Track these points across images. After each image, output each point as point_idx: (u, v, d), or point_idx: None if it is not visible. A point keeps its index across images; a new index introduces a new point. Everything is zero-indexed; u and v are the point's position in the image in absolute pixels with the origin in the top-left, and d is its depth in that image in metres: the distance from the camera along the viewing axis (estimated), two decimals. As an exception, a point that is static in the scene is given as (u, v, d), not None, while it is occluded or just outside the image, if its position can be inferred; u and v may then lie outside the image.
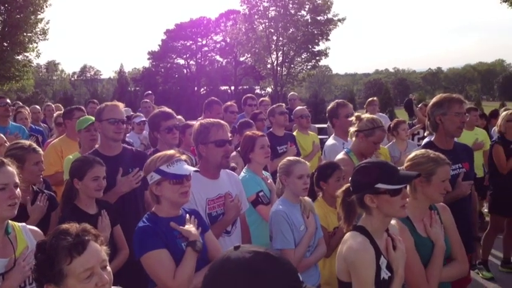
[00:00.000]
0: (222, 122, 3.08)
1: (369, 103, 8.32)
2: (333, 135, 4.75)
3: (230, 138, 3.05)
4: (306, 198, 3.28)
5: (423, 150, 2.79)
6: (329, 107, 4.83)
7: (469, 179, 3.42)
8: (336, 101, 4.93)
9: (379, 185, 2.13)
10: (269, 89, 37.45)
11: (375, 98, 8.51)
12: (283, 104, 5.93)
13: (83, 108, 5.16)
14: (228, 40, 36.64)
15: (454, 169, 3.39)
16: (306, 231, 3.12)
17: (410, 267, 2.43)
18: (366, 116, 3.83)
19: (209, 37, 56.54)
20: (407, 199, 2.18)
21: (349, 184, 2.30)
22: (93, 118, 3.81)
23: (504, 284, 5.34)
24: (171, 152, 2.58)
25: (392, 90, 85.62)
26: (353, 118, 3.83)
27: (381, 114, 8.80)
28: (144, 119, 6.62)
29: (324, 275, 3.33)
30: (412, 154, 2.77)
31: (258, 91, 46.16)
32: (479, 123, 7.60)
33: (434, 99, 3.54)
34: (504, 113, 5.74)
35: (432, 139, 3.60)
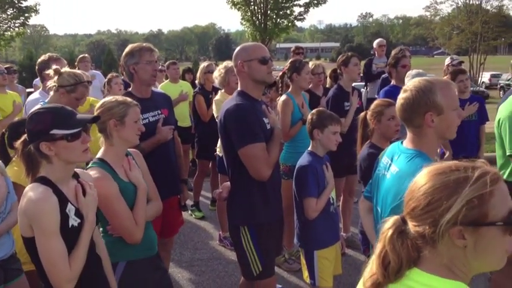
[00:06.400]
0: None
1: (80, 60, 7.96)
2: (40, 89, 4.38)
3: None
4: None
5: (113, 97, 2.77)
6: (39, 61, 4.39)
7: (169, 124, 3.57)
8: (48, 54, 4.51)
9: (54, 131, 1.99)
10: (-30, 50, 31.89)
11: (87, 55, 8.19)
12: None
13: None
14: None
15: (154, 115, 3.49)
16: None
17: (117, 213, 2.45)
18: (66, 70, 3.57)
19: None
20: (88, 144, 2.11)
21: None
22: None
23: (213, 221, 5.95)
24: None
25: (116, 51, 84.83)
26: (51, 72, 3.52)
27: (95, 71, 8.55)
28: None
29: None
30: (101, 102, 2.73)
31: (-44, 53, 38.96)
32: (186, 77, 8.15)
33: (126, 50, 3.54)
34: (202, 65, 6.23)
35: (131, 89, 3.61)
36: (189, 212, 6.22)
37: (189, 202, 6.29)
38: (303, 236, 3.25)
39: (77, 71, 3.72)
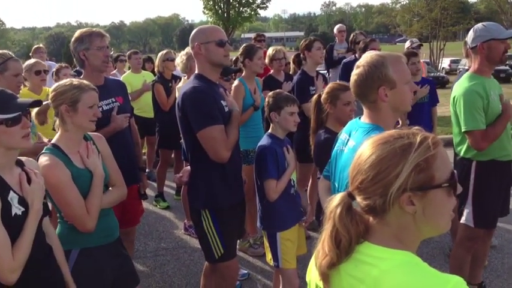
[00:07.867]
0: None
1: (34, 50, 7.73)
2: None
3: None
4: None
5: (69, 80, 2.65)
6: None
7: (125, 112, 3.47)
8: None
9: None
10: None
11: (41, 46, 8.00)
12: None
13: None
14: None
15: (108, 104, 3.38)
16: None
17: (67, 201, 2.35)
18: None
19: None
20: (29, 128, 2.01)
21: None
22: None
23: (178, 211, 5.87)
24: None
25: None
26: None
27: (50, 62, 8.43)
28: None
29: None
30: (56, 84, 2.62)
31: None
32: (147, 66, 8.05)
33: (75, 35, 3.42)
34: (160, 53, 6.12)
35: (82, 76, 3.50)
36: (154, 202, 6.13)
37: (153, 193, 6.22)
38: (265, 219, 3.24)
39: (2, 50, 3.67)
